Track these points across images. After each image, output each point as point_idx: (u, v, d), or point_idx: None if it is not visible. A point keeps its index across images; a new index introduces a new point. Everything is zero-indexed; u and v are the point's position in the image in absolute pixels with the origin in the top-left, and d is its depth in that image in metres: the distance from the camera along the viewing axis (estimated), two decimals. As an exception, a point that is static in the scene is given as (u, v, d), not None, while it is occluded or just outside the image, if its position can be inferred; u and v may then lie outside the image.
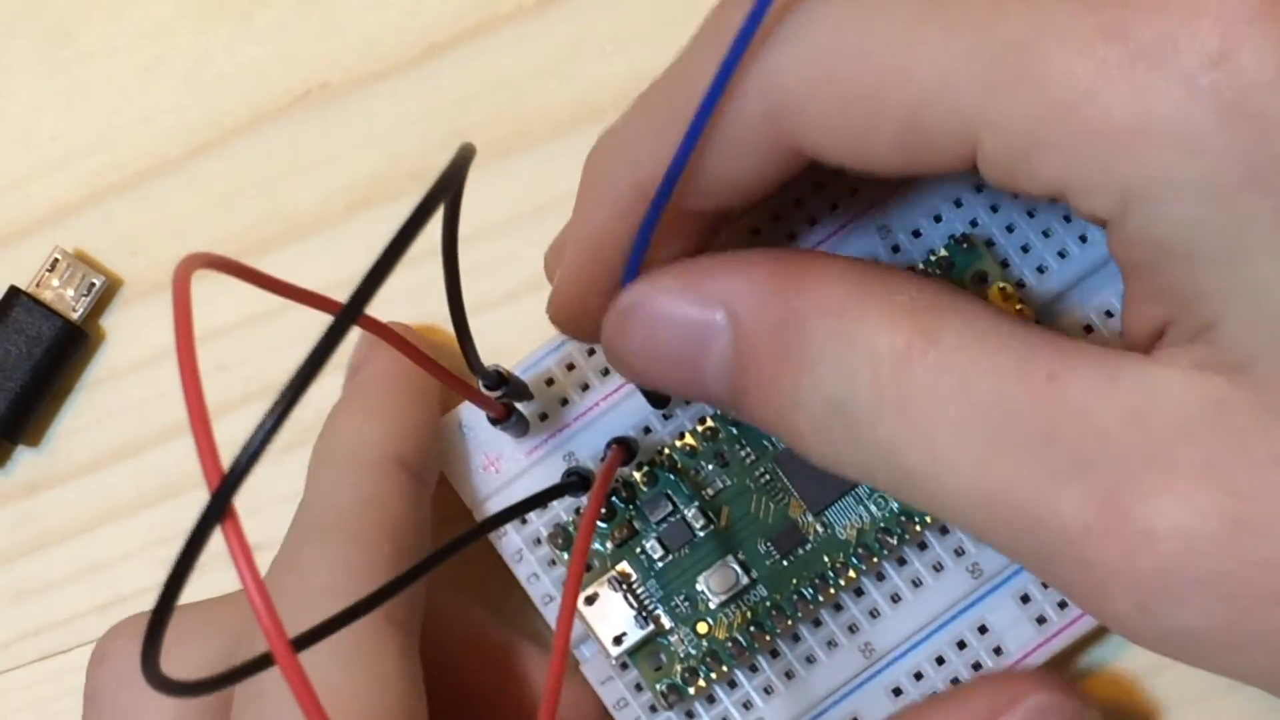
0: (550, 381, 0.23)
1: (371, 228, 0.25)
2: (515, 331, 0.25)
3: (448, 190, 0.15)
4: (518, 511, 0.21)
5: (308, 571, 0.20)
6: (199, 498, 0.25)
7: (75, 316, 0.25)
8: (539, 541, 0.23)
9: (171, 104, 0.26)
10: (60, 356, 0.25)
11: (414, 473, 0.22)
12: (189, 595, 0.16)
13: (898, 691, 0.22)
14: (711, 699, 0.22)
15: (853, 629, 0.22)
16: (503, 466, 0.23)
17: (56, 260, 0.25)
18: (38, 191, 0.26)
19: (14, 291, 0.25)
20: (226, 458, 0.25)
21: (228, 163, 0.26)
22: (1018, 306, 0.21)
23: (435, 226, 0.16)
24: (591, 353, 0.23)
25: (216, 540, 0.26)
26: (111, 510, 0.26)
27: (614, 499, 0.22)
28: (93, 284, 0.25)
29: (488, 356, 0.25)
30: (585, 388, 0.23)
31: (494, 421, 0.22)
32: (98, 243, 0.26)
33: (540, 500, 0.22)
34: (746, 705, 0.22)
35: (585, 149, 0.25)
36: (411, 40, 0.26)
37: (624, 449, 0.22)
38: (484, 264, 0.25)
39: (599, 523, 0.22)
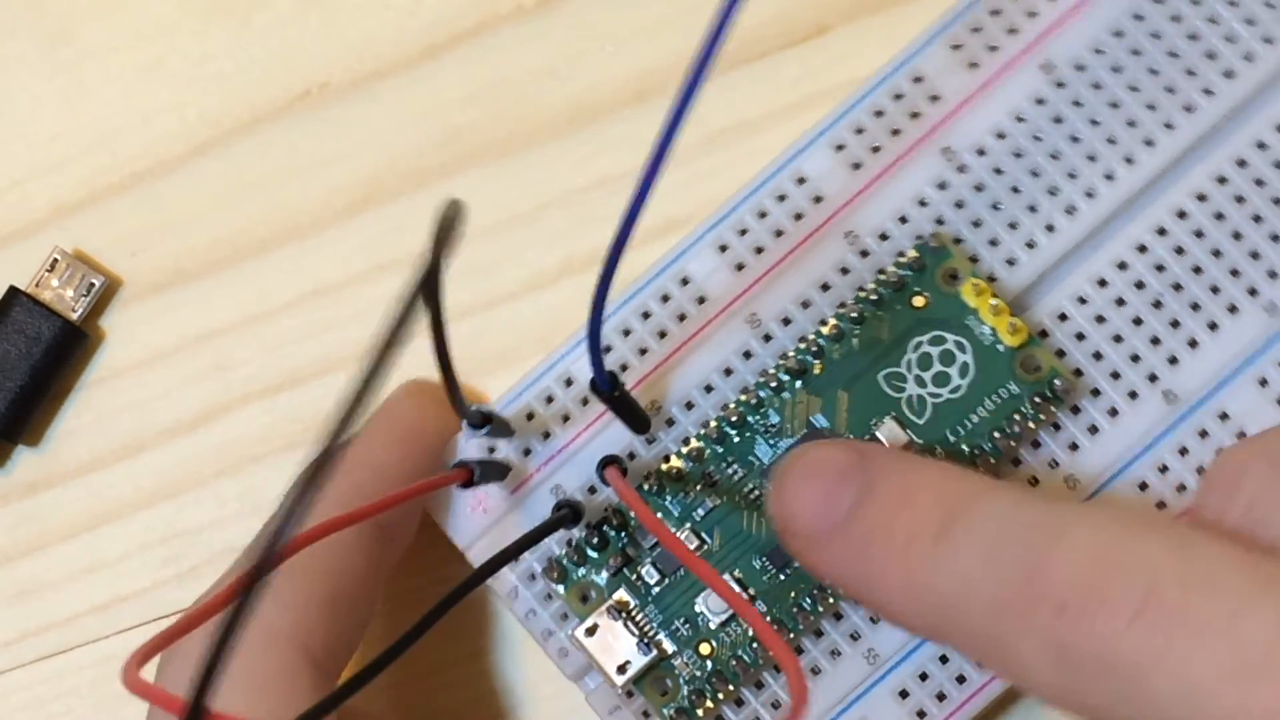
0: (530, 416, 0.22)
1: (371, 228, 0.25)
2: (515, 332, 0.25)
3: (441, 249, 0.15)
4: (513, 553, 0.21)
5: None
6: (198, 497, 0.25)
7: (75, 317, 0.25)
8: (533, 577, 0.22)
9: (171, 104, 0.26)
10: (60, 356, 0.25)
11: (379, 524, 0.21)
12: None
13: (904, 694, 0.22)
14: (720, 718, 0.22)
15: (855, 636, 0.22)
16: (491, 505, 0.22)
17: (56, 260, 0.25)
18: (38, 191, 0.26)
19: (13, 291, 0.25)
20: (224, 456, 0.25)
21: (228, 163, 0.26)
22: (991, 301, 0.21)
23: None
24: (569, 383, 0.22)
25: (213, 542, 0.26)
26: (111, 510, 0.26)
27: (605, 527, 0.22)
28: (92, 284, 0.25)
29: (487, 359, 0.25)
30: (566, 418, 0.22)
31: (466, 485, 0.21)
32: (97, 243, 0.26)
33: (535, 538, 0.21)
34: (755, 722, 0.22)
35: (585, 149, 0.25)
36: (411, 40, 0.26)
37: (619, 466, 0.22)
38: (483, 264, 0.25)
39: (591, 552, 0.22)
